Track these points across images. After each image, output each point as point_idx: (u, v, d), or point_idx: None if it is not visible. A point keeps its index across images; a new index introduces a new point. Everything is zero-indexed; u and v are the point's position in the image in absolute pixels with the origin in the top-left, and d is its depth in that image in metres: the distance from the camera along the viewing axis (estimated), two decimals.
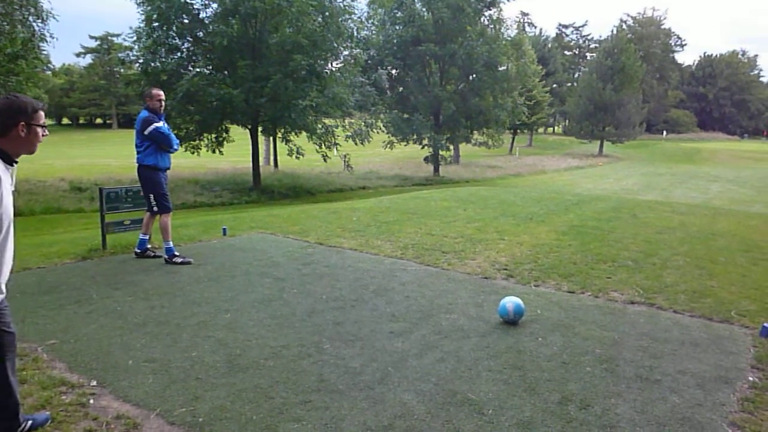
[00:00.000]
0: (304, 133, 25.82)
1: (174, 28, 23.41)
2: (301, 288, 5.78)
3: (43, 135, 2.78)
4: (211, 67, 24.57)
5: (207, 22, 23.89)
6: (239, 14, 22.39)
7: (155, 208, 6.86)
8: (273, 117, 24.02)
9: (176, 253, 6.83)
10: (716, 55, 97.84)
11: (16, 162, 2.76)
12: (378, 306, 5.24)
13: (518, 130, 59.47)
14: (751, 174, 36.31)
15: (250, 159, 26.35)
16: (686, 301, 5.48)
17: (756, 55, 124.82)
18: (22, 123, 2.66)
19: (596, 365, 4.01)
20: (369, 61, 32.82)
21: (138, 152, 6.76)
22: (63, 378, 3.65)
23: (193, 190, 23.92)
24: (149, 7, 22.48)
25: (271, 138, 31.08)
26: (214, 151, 25.99)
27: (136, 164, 6.81)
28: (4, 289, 2.70)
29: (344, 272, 6.43)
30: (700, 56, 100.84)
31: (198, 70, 24.09)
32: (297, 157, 25.93)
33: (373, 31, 34.24)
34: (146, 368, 3.84)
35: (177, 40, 24.06)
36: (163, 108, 6.84)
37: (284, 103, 22.88)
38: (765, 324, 4.70)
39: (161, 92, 6.85)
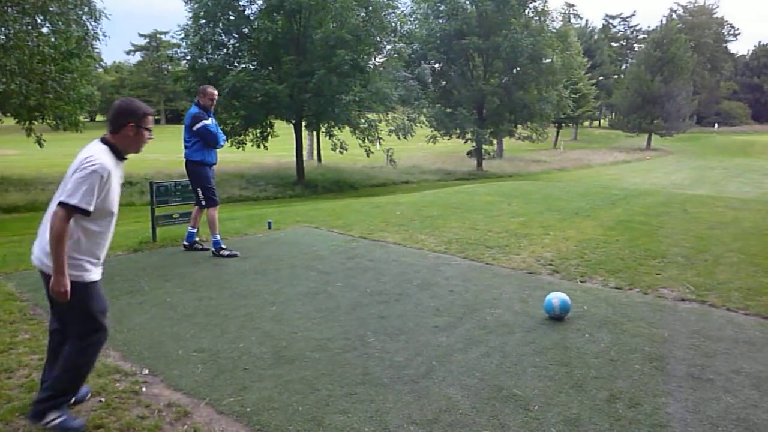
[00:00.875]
0: (347, 128, 25.96)
1: (220, 24, 23.83)
2: (346, 281, 5.82)
3: (148, 138, 3.11)
4: (256, 63, 24.93)
5: (252, 18, 24.22)
6: (284, 10, 22.62)
7: (203, 202, 7.00)
8: (317, 112, 24.21)
9: (223, 246, 6.96)
10: None
11: (125, 159, 3.13)
12: (422, 300, 5.24)
13: (563, 124, 58.48)
14: None
15: (294, 154, 26.62)
16: (740, 299, 5.31)
17: None
18: (132, 124, 3.00)
19: (645, 363, 3.93)
20: (412, 56, 32.68)
21: (186, 147, 6.90)
22: (117, 366, 3.77)
23: (239, 185, 24.30)
24: (197, 5, 22.92)
25: (315, 133, 31.35)
26: (258, 146, 26.37)
27: (184, 159, 6.96)
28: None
29: (388, 266, 6.45)
30: (755, 46, 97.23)
31: (243, 65, 24.46)
32: (340, 152, 26.09)
33: (417, 25, 34.06)
34: (195, 358, 3.93)
35: (223, 37, 24.49)
36: (213, 106, 6.98)
37: (328, 98, 23.04)
38: None
39: (215, 92, 7.00)
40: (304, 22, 23.55)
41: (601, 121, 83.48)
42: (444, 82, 36.61)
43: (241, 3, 24.06)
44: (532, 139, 38.90)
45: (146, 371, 3.73)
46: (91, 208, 2.83)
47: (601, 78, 69.08)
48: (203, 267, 6.42)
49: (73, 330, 3.06)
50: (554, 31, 36.29)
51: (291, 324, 4.61)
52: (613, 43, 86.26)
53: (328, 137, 26.55)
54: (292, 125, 26.11)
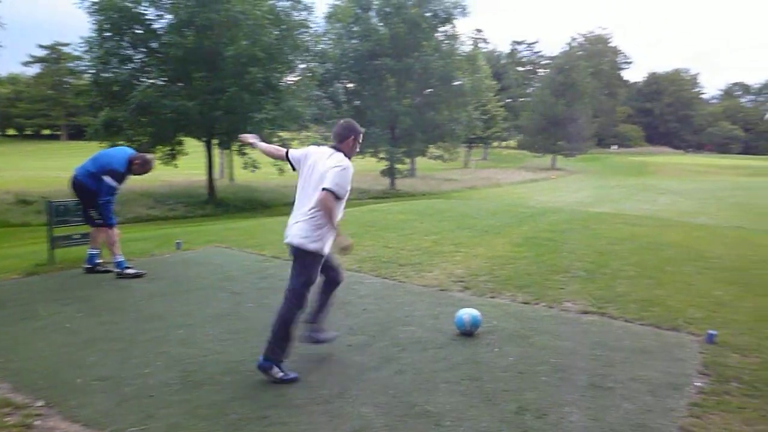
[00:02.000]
0: None
1: (126, 38, 23.04)
2: (258, 302, 5.72)
3: (357, 151, 4.28)
4: (165, 79, 24.24)
5: (161, 33, 23.57)
6: (194, 26, 22.17)
7: (97, 221, 6.69)
8: (228, 129, 23.81)
9: (128, 266, 6.68)
10: (661, 73, 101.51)
11: None
12: (336, 319, 5.20)
13: (473, 144, 60.30)
14: (696, 187, 37.59)
15: (205, 172, 26.00)
16: (637, 310, 5.63)
17: (697, 73, 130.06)
18: (353, 137, 4.19)
19: (551, 374, 4.08)
20: (326, 75, 32.87)
21: (83, 169, 6.60)
22: (6, 399, 3.51)
23: (146, 204, 23.46)
24: (101, 17, 22.06)
25: (227, 151, 30.79)
26: (167, 164, 25.55)
27: (74, 177, 6.64)
28: None
29: None
30: (647, 74, 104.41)
31: (152, 81, 23.73)
32: (252, 170, 25.71)
33: (330, 45, 34.32)
34: (96, 387, 3.73)
35: (130, 51, 23.68)
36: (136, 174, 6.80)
37: (240, 116, 22.73)
38: (710, 331, 4.87)
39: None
40: (215, 39, 23.16)
41: (510, 141, 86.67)
42: (357, 102, 36.99)
43: (148, 17, 23.38)
44: (444, 159, 39.92)
45: (41, 403, 3.49)
46: (344, 194, 3.98)
47: (509, 100, 72.11)
48: (106, 290, 6.13)
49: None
50: (464, 54, 37.59)
51: (200, 347, 4.47)
52: (519, 68, 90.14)
53: (240, 155, 26.12)
54: (203, 143, 25.53)
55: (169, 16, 23.37)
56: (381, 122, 34.89)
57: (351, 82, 36.92)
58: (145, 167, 6.78)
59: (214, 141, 25.85)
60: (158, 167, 25.60)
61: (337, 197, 3.93)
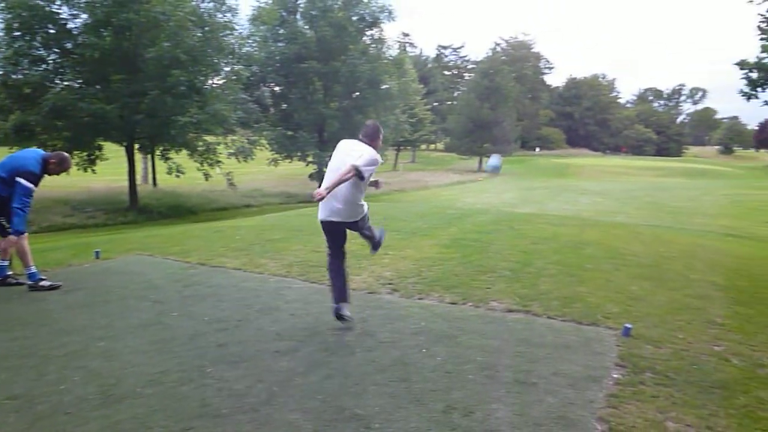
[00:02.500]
0: (184, 151, 25.00)
1: (38, 38, 21.93)
2: (182, 310, 5.57)
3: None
4: (81, 81, 23.23)
5: (76, 33, 22.59)
6: (112, 26, 21.36)
7: (8, 230, 6.32)
8: (151, 134, 23.10)
9: (42, 278, 6.36)
10: (581, 78, 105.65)
11: None
12: (263, 325, 5.15)
13: (402, 147, 60.85)
14: (614, 187, 39.29)
15: (127, 177, 25.11)
16: (559, 307, 5.82)
17: (614, 79, 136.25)
18: (381, 137, 5.22)
19: (478, 372, 4.17)
20: (251, 78, 32.39)
21: None
22: None
23: (63, 212, 22.45)
24: (9, 15, 20.92)
25: (150, 156, 29.85)
26: (86, 170, 24.47)
27: None
28: None
29: (228, 292, 6.27)
30: (567, 78, 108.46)
31: (67, 83, 22.72)
32: (177, 176, 25.02)
33: (256, 48, 33.85)
34: (8, 406, 3.54)
35: (42, 51, 22.55)
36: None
37: (163, 120, 22.07)
38: (626, 325, 5.10)
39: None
40: (135, 40, 22.39)
41: (438, 144, 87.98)
42: (284, 105, 36.65)
43: (62, 16, 22.36)
44: None
45: None
46: (366, 177, 4.88)
47: (436, 104, 73.17)
48: (18, 303, 5.82)
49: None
50: (391, 58, 37.87)
51: (121, 359, 4.31)
52: (445, 72, 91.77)
53: (163, 160, 25.36)
54: (123, 147, 24.64)
55: (85, 16, 22.42)
56: (309, 126, 34.70)
57: (277, 85, 36.54)
58: (62, 166, 6.46)
59: (136, 145, 25.00)
60: (76, 173, 24.60)
61: (360, 176, 4.83)
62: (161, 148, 25.06)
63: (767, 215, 23.64)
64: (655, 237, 11.56)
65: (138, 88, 21.67)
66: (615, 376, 4.17)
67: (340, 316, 5.09)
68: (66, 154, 6.65)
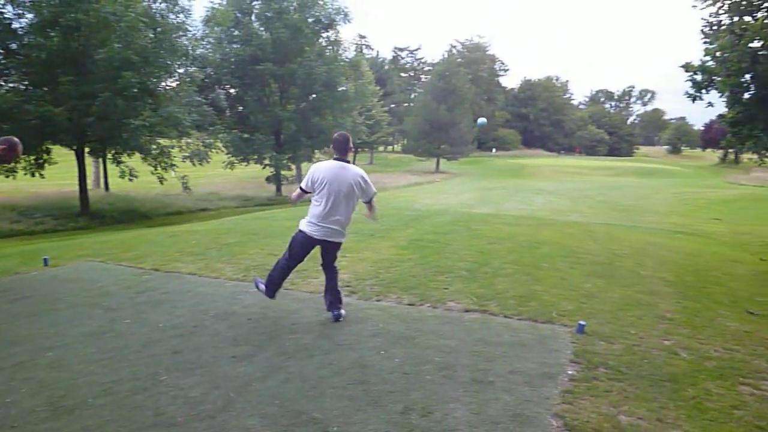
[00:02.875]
0: (137, 154, 24.46)
1: None
2: (136, 317, 5.45)
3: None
4: (27, 83, 22.49)
5: (21, 33, 21.86)
6: (59, 26, 20.74)
7: None
8: (102, 137, 22.51)
9: None
10: (535, 80, 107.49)
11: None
12: (219, 331, 5.08)
13: (359, 149, 60.84)
14: (568, 186, 40.06)
15: (77, 182, 24.43)
16: (515, 306, 5.91)
17: (567, 81, 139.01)
18: (351, 147, 5.42)
19: (436, 373, 4.19)
20: (206, 80, 31.94)
21: None
22: None
23: (9, 218, 21.68)
24: None
25: (101, 159, 29.12)
26: (33, 175, 23.68)
27: None
28: None
29: (183, 298, 6.16)
30: (522, 80, 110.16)
31: (12, 85, 21.96)
32: (130, 179, 24.45)
33: (210, 50, 33.37)
34: None
35: None
36: None
37: (114, 123, 21.53)
38: (580, 322, 5.21)
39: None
40: (84, 41, 21.78)
41: (395, 146, 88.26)
42: (240, 108, 36.27)
43: (6, 15, 21.60)
44: None
45: None
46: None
47: (393, 105, 73.41)
48: None
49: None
50: (347, 60, 37.82)
51: (71, 370, 4.19)
52: (402, 74, 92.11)
53: (115, 164, 24.76)
54: (73, 151, 23.97)
55: (30, 15, 21.71)
56: (265, 128, 34.40)
57: (233, 87, 36.12)
58: (13, 151, 6.08)
59: (87, 149, 24.35)
60: (23, 178, 23.83)
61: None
62: (113, 152, 24.43)
63: (714, 212, 24.47)
64: (608, 235, 11.84)
65: (88, 90, 21.09)
66: (570, 372, 4.25)
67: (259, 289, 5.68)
68: (16, 139, 6.30)
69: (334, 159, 5.29)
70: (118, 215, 24.51)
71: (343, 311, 5.48)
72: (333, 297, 5.51)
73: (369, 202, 5.56)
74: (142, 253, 8.80)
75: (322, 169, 5.23)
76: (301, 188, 5.39)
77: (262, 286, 5.60)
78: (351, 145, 5.37)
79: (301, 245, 5.36)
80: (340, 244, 5.43)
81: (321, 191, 5.17)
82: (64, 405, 3.63)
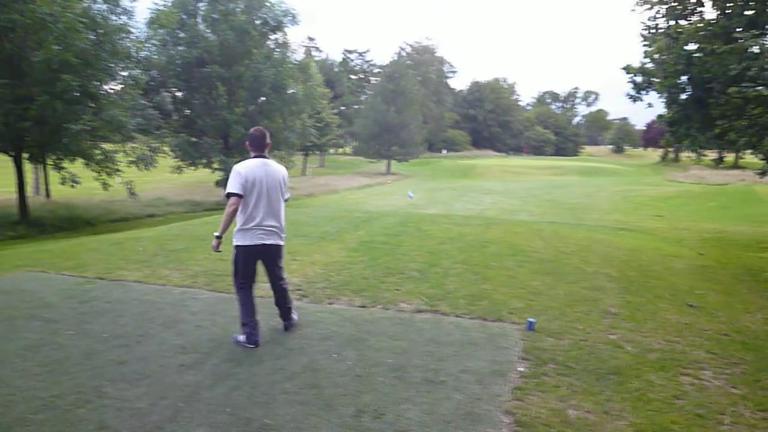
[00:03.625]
0: (79, 160, 23.70)
1: None
2: (78, 328, 5.27)
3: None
4: None
5: None
6: None
7: None
8: (41, 142, 21.70)
9: None
10: (483, 82, 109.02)
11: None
12: (166, 339, 4.96)
13: (309, 152, 60.50)
14: (517, 186, 40.78)
15: (15, 189, 23.50)
16: (465, 305, 5.97)
17: (514, 82, 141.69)
18: (269, 142, 5.01)
19: (388, 374, 4.19)
20: (151, 83, 31.16)
21: None
22: None
23: None
24: None
25: (41, 165, 28.10)
26: None
27: None
28: None
29: (128, 307, 5.99)
30: (470, 82, 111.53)
31: None
32: (72, 186, 23.66)
33: (155, 52, 32.60)
34: None
35: None
36: None
37: (53, 127, 20.78)
38: (529, 319, 5.29)
39: None
40: (20, 42, 20.97)
41: (346, 148, 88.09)
42: (187, 111, 35.53)
43: None
44: None
45: None
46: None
47: (343, 108, 73.25)
48: None
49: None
50: (296, 62, 37.51)
51: (8, 385, 4.02)
52: (352, 76, 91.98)
53: (56, 170, 23.92)
54: (11, 158, 23.06)
55: None
56: (213, 131, 33.82)
57: (179, 90, 35.35)
58: None
59: (25, 155, 23.44)
60: None
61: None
62: (54, 158, 23.60)
63: (655, 209, 25.28)
64: (555, 233, 12.08)
65: (24, 93, 20.29)
66: (520, 369, 4.31)
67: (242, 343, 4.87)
68: None
69: (254, 157, 4.91)
70: (60, 223, 23.66)
71: (295, 316, 5.35)
72: (283, 308, 5.27)
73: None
74: (85, 261, 8.52)
75: (248, 168, 4.81)
76: (234, 194, 4.77)
77: (242, 338, 4.86)
78: (269, 140, 4.99)
79: (245, 262, 4.95)
80: (281, 248, 5.09)
81: (251, 193, 4.78)
82: (1, 423, 3.47)
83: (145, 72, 29.05)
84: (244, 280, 5.01)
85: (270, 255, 5.02)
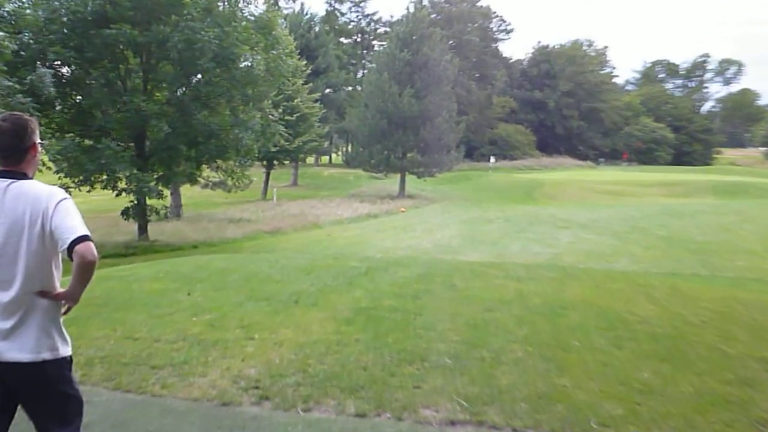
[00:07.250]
0: None
1: None
2: None
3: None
4: None
5: None
6: None
7: None
8: None
9: None
10: (554, 47, 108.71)
11: None
12: None
13: (276, 162, 60.64)
14: (611, 215, 40.61)
15: None
16: (529, 412, 5.90)
17: (605, 47, 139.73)
18: (34, 144, 4.05)
19: None
20: (22, 53, 31.54)
21: None
22: None
23: None
24: None
25: None
26: None
27: None
28: None
29: None
30: (534, 48, 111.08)
31: None
32: None
33: (28, 5, 33.04)
34: None
35: None
36: None
37: None
38: None
39: None
40: None
41: (333, 155, 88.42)
42: (78, 98, 35.85)
43: None
44: (227, 187, 39.65)
45: None
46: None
47: (328, 91, 73.62)
48: None
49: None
50: (253, 19, 37.76)
51: None
52: (343, 39, 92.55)
53: None
54: None
55: None
56: (120, 130, 33.99)
57: (66, 64, 35.74)
58: None
59: None
60: None
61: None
62: None
63: None
64: (674, 291, 12.03)
65: None
66: None
67: None
68: None
69: None
70: None
71: None
72: None
73: (70, 255, 3.70)
74: None
75: None
76: None
77: None
78: (36, 138, 4.03)
79: None
80: (56, 366, 4.03)
81: None
82: None
83: (13, 35, 29.42)
84: None
85: (20, 387, 3.92)
